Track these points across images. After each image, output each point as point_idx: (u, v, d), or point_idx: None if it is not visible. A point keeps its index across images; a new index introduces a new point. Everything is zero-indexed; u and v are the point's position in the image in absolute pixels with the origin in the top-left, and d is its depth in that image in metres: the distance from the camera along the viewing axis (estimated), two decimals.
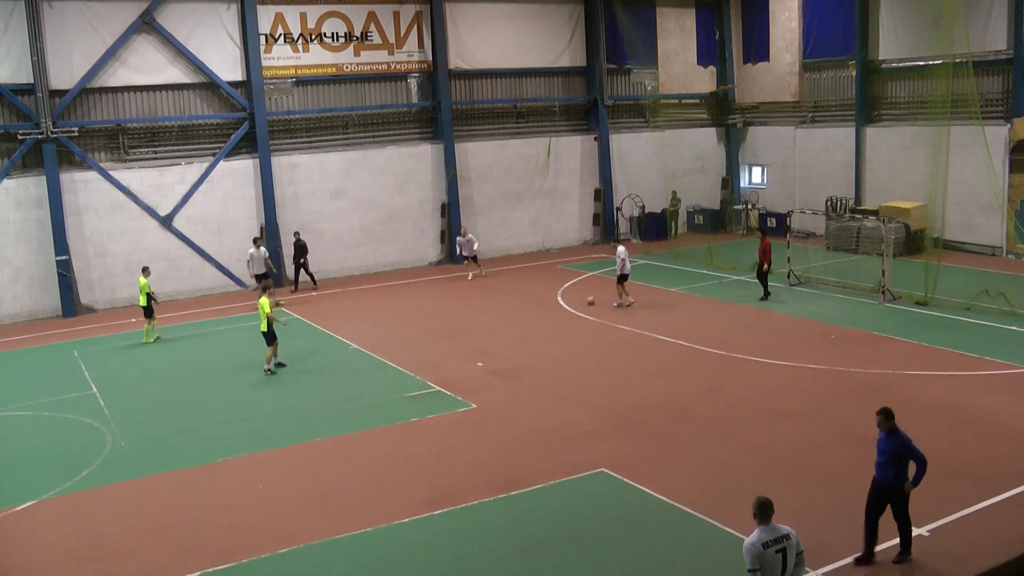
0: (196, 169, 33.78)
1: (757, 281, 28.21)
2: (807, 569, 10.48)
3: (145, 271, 27.70)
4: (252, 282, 32.96)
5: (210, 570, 13.06)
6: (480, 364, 22.74)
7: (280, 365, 23.50)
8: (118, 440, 18.95)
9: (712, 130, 43.79)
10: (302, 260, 33.55)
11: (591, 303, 24.95)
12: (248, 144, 34.51)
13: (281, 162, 34.92)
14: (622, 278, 27.34)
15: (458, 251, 35.05)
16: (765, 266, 27.66)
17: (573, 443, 17.12)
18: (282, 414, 20.02)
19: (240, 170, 34.42)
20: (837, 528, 13.08)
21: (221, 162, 34.06)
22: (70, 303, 31.71)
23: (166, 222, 33.39)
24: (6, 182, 31.09)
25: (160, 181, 33.32)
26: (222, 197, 34.20)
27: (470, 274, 34.17)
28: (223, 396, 21.72)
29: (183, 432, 19.33)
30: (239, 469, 16.98)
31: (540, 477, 15.62)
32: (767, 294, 27.89)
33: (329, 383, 22.22)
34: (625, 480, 15.27)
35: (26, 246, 31.48)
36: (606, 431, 17.74)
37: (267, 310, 22.82)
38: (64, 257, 31.53)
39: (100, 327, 29.77)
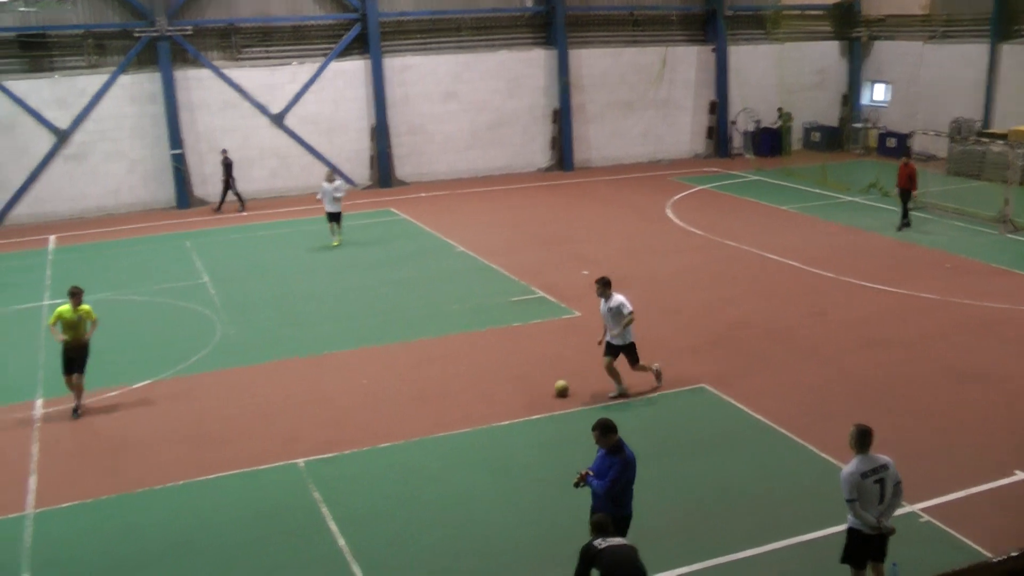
0: (307, 69, 34.07)
1: (900, 208, 26.71)
2: (903, 502, 10.34)
3: None
4: (360, 181, 33.39)
5: (311, 458, 13.53)
6: (585, 272, 22.69)
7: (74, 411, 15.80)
8: (228, 329, 19.63)
9: (835, 43, 42.17)
10: (229, 179, 31.82)
11: (562, 393, 15.66)
12: (360, 45, 34.60)
13: (393, 63, 34.93)
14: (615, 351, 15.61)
15: (319, 198, 26.76)
16: (913, 192, 26.37)
17: (675, 357, 17.07)
18: (387, 312, 20.41)
19: (351, 71, 34.60)
20: (934, 463, 12.87)
21: (332, 63, 34.27)
22: (183, 196, 32.67)
23: (277, 120, 33.89)
24: (122, 78, 31.97)
25: (271, 80, 33.77)
26: (333, 97, 34.50)
27: (335, 238, 26.65)
28: (329, 292, 22.22)
29: (289, 325, 19.92)
30: (343, 363, 17.44)
31: (640, 389, 15.68)
32: (907, 223, 26.46)
33: (434, 284, 22.52)
34: (725, 397, 15.24)
35: (142, 140, 32.43)
36: (707, 348, 17.66)
37: (52, 322, 15.60)
38: (178, 151, 32.37)
39: (212, 219, 30.61)
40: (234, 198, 32.01)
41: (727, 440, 13.85)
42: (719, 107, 39.91)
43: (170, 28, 31.93)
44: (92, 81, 31.73)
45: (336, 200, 26.04)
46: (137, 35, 31.80)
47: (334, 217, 26.26)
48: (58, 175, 31.81)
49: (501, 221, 29.15)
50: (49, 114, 31.43)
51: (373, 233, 28.26)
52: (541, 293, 21.26)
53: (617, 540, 8.46)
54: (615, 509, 9.57)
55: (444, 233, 27.32)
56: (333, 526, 11.74)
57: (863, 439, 9.32)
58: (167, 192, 32.69)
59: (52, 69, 31.67)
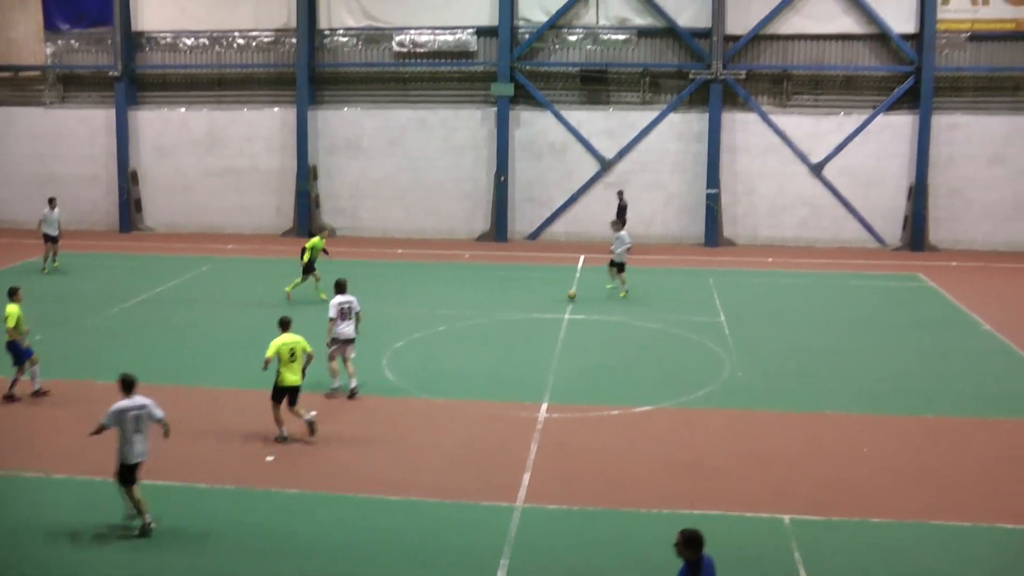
0: (853, 120, 33.86)
1: None
2: None
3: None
4: (890, 241, 32.47)
5: (798, 517, 13.42)
6: None
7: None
8: (736, 370, 20.15)
9: None
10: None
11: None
12: (910, 99, 33.62)
13: (940, 121, 33.48)
14: None
15: None
16: None
17: None
18: (894, 380, 19.74)
19: (898, 125, 33.78)
20: None
21: (880, 115, 33.68)
22: (713, 234, 34.01)
23: (816, 170, 34.05)
24: (672, 116, 34.18)
25: (816, 129, 34.04)
26: (875, 151, 33.93)
27: None
28: (841, 349, 21.94)
29: (797, 376, 20.06)
30: (843, 426, 17.12)
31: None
32: None
33: (946, 360, 21.37)
34: None
35: (681, 176, 34.38)
36: None
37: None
38: (714, 191, 33.74)
39: (737, 260, 31.53)
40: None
41: None
42: None
43: (725, 72, 33.49)
44: (642, 116, 34.39)
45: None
46: (692, 76, 33.77)
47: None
48: (596, 200, 34.77)
49: None
50: (597, 143, 34.56)
51: (896, 297, 27.51)
52: None
53: None
54: None
55: (971, 308, 25.68)
56: None
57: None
58: (697, 228, 34.19)
59: (607, 103, 34.79)
